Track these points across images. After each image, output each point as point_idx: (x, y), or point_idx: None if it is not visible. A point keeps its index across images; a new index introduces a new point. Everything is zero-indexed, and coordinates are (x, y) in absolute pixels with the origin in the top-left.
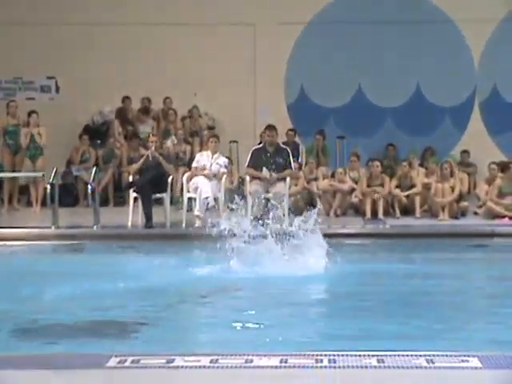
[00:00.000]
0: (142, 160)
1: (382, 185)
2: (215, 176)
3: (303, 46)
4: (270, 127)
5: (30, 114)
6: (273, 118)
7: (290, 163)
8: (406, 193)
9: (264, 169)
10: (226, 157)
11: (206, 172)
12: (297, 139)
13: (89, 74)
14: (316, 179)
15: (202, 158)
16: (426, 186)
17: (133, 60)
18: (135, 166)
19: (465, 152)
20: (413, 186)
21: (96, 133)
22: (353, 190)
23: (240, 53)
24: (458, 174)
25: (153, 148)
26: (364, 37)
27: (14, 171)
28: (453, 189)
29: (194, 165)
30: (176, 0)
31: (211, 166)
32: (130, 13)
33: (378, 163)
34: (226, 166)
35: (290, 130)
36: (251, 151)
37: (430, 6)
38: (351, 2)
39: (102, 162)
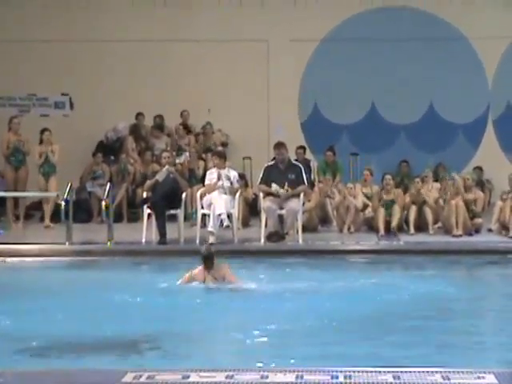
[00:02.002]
0: (156, 176)
1: (393, 200)
2: (229, 191)
3: (317, 63)
4: (278, 145)
5: (42, 131)
6: (286, 135)
7: (303, 179)
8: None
9: (273, 185)
10: (239, 173)
11: (218, 185)
12: (308, 156)
13: (103, 91)
14: (329, 196)
15: (212, 175)
16: (439, 203)
17: (146, 77)
18: (149, 183)
19: (477, 168)
20: (425, 201)
21: (110, 149)
22: (366, 206)
23: (253, 69)
24: (473, 191)
25: (167, 166)
26: (377, 54)
27: (16, 188)
28: (467, 205)
29: (206, 182)
30: (189, 17)
31: (222, 182)
32: (143, 29)
33: (389, 176)
34: (237, 181)
35: (299, 147)
36: (264, 168)
37: (444, 23)
38: (365, 19)
39: (116, 178)
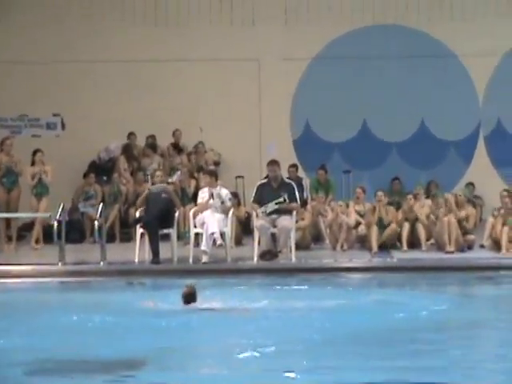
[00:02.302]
0: (148, 186)
1: (381, 218)
2: (221, 210)
3: (308, 82)
4: (272, 162)
5: (34, 152)
6: (278, 154)
7: (296, 198)
8: None
9: (259, 210)
10: (231, 192)
11: (210, 203)
12: (300, 174)
13: (94, 111)
14: (322, 214)
15: (204, 194)
16: (431, 219)
17: (138, 96)
18: (142, 198)
19: (469, 184)
20: (417, 218)
21: (102, 169)
22: (359, 223)
23: (245, 88)
24: (465, 207)
25: (164, 184)
26: (369, 72)
27: (8, 209)
28: (459, 221)
29: (198, 201)
30: (181, 36)
31: (213, 200)
32: (134, 50)
33: (381, 193)
34: (230, 199)
35: (291, 165)
36: (256, 186)
37: (434, 41)
38: (356, 37)
39: (108, 199)
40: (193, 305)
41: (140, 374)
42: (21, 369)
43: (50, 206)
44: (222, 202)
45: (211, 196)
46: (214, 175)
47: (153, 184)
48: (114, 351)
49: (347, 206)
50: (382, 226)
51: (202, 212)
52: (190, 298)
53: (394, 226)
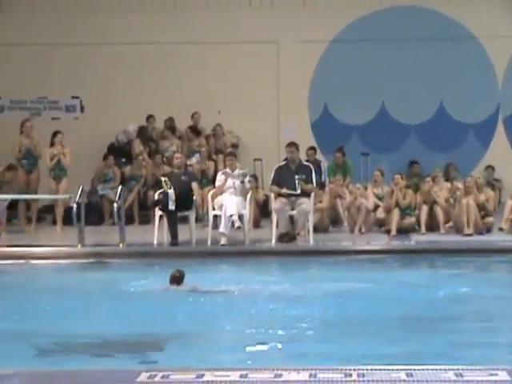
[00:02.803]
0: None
1: (397, 202)
2: (240, 192)
3: (327, 64)
4: (290, 144)
5: (54, 134)
6: (297, 136)
7: (313, 180)
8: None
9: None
10: (252, 174)
11: (229, 185)
12: (319, 157)
13: (113, 94)
14: (340, 197)
15: (222, 177)
16: (450, 202)
17: (157, 79)
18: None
19: (489, 167)
20: (436, 201)
21: (120, 152)
22: (377, 206)
23: (263, 71)
24: (484, 190)
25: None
26: (387, 54)
27: (28, 191)
28: (478, 204)
29: (217, 183)
30: (199, 18)
31: (234, 183)
32: (154, 32)
33: (398, 176)
34: (249, 181)
35: (310, 148)
36: (275, 168)
37: (454, 23)
38: (374, 19)
39: (131, 181)
40: (201, 287)
41: (159, 355)
42: (37, 349)
43: (69, 188)
44: (242, 182)
45: (226, 179)
46: (235, 157)
47: (173, 167)
48: (132, 332)
49: (365, 188)
50: (399, 209)
51: (220, 194)
52: (176, 280)
53: (413, 219)
